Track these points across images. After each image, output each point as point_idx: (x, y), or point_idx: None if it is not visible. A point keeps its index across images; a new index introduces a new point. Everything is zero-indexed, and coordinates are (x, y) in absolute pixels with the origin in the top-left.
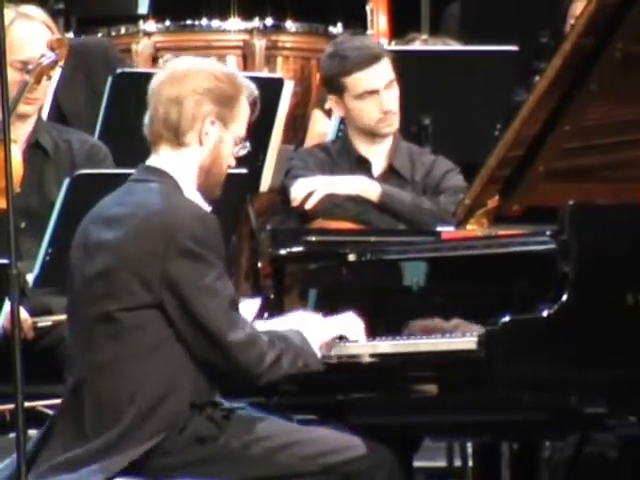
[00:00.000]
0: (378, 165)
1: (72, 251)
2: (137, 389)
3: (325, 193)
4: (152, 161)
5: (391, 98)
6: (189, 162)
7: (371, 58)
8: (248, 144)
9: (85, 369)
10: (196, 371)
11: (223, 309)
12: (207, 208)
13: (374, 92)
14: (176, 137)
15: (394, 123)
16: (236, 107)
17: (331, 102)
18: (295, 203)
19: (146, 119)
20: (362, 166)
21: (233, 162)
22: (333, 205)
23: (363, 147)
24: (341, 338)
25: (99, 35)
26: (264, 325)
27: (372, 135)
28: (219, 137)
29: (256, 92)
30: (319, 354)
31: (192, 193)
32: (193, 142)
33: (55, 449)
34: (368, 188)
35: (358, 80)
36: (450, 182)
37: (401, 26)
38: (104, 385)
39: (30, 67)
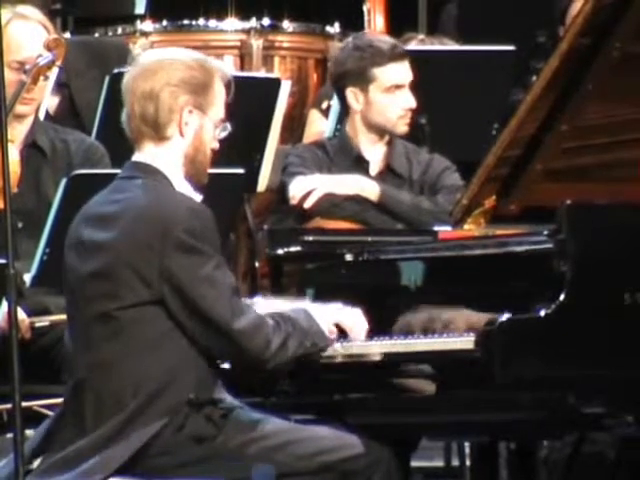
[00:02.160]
0: (375, 164)
1: (65, 252)
2: (138, 386)
3: (324, 192)
4: (137, 157)
5: (413, 99)
6: (173, 154)
7: (403, 53)
8: (228, 125)
9: (85, 369)
10: (197, 364)
11: (225, 298)
12: (198, 197)
13: (401, 87)
14: (156, 132)
15: (408, 124)
16: (211, 92)
17: (351, 94)
18: (294, 201)
19: (123, 116)
20: (360, 165)
21: (216, 145)
22: (331, 205)
23: (362, 146)
24: (342, 332)
25: (96, 35)
26: (269, 306)
27: (380, 133)
28: (199, 124)
29: (229, 73)
30: (327, 332)
31: (181, 184)
32: (174, 134)
33: (57, 448)
34: (367, 188)
35: (392, 71)
36: (447, 180)
37: (398, 26)
38: (105, 384)
39: (27, 67)
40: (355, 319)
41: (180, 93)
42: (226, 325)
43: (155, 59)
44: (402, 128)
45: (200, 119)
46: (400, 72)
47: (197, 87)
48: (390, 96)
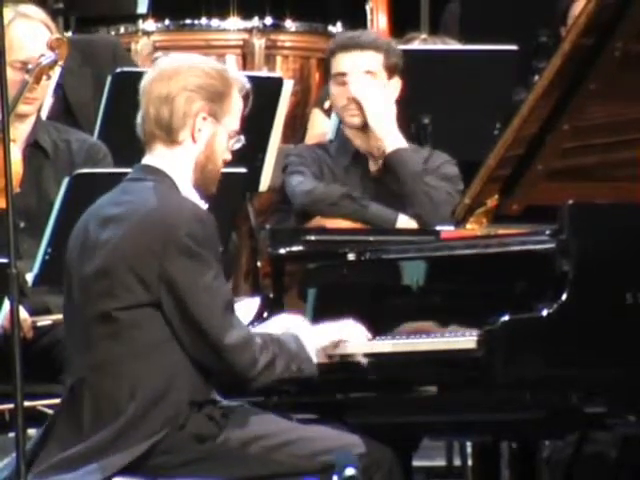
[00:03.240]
0: (374, 161)
1: (69, 251)
2: (136, 388)
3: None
4: (147, 160)
5: (355, 87)
6: (184, 160)
7: (353, 44)
8: (242, 137)
9: (84, 369)
10: (195, 368)
11: (219, 309)
12: (204, 205)
13: (344, 75)
14: (169, 135)
15: (360, 115)
16: (227, 101)
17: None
18: None
19: (138, 119)
20: (359, 162)
21: (229, 156)
22: (330, 203)
23: (358, 142)
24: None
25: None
26: (260, 327)
27: (356, 127)
28: (212, 133)
29: (248, 85)
30: (315, 359)
31: (188, 190)
32: (186, 139)
33: (54, 449)
34: (394, 143)
35: (335, 61)
36: (445, 170)
37: (401, 25)
38: (103, 385)
39: (30, 67)
40: (349, 331)
41: (196, 99)
42: (216, 338)
43: (174, 64)
44: (348, 119)
45: (214, 127)
46: (342, 62)
47: (214, 95)
48: (336, 86)
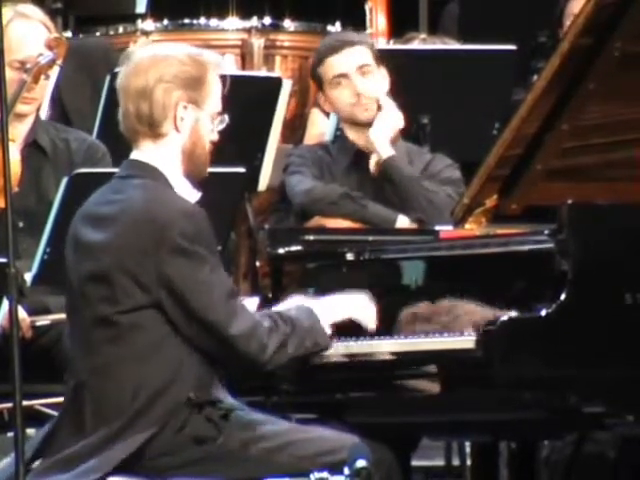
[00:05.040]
0: (375, 162)
1: (66, 251)
2: (140, 389)
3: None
4: (135, 155)
5: (365, 83)
6: (171, 151)
7: (339, 44)
8: (226, 117)
9: (85, 372)
10: (196, 366)
11: (221, 302)
12: (197, 195)
13: (344, 76)
14: (152, 129)
15: (370, 108)
16: (205, 86)
17: (321, 100)
18: None
19: (119, 116)
20: (360, 163)
21: (216, 137)
22: (329, 202)
23: (360, 142)
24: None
25: (97, 34)
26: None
27: (356, 125)
28: (195, 119)
29: (223, 65)
30: (329, 331)
31: (179, 181)
32: (170, 131)
33: (55, 449)
34: (383, 148)
35: (327, 66)
36: (448, 174)
37: (400, 25)
38: (104, 387)
39: (28, 66)
40: (362, 310)
41: (173, 89)
42: (223, 330)
43: (147, 56)
44: (362, 115)
45: (195, 113)
46: (337, 63)
47: (191, 82)
48: (337, 89)
